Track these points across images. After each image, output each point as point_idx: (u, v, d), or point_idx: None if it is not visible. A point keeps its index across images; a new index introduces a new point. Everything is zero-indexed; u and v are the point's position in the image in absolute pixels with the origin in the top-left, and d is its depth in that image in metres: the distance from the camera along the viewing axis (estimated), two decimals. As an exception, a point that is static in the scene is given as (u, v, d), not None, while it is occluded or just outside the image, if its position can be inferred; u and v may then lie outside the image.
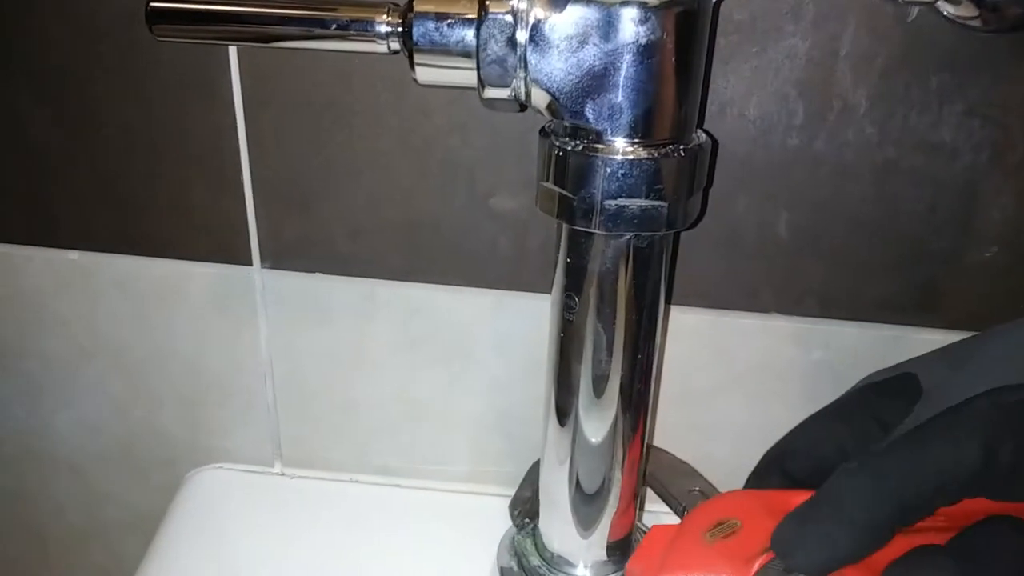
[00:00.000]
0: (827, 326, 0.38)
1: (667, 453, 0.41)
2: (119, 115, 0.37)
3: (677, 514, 0.36)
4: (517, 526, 0.38)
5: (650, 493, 0.42)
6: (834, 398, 0.40)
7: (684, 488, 0.38)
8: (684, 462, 0.40)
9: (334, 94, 0.36)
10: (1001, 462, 0.24)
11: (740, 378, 0.40)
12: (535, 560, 0.37)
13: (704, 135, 0.29)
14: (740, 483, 0.42)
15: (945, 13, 0.31)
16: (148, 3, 0.28)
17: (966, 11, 0.30)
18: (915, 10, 0.31)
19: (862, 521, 0.24)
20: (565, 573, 0.36)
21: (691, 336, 0.39)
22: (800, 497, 0.27)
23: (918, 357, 0.29)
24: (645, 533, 0.38)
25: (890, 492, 0.24)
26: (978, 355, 0.27)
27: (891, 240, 0.36)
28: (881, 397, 0.28)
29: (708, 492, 0.38)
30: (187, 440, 0.46)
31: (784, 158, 0.35)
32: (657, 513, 0.42)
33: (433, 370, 0.42)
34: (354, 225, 0.39)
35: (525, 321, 0.39)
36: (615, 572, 0.36)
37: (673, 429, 0.41)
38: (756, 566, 0.27)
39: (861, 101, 0.33)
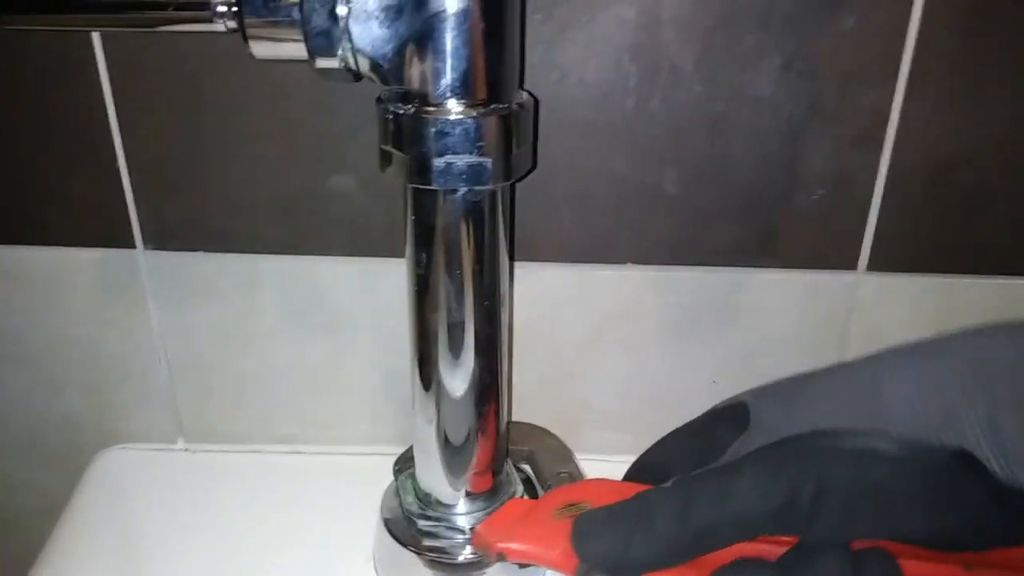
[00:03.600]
0: (678, 272, 0.41)
1: (553, 437, 0.43)
2: (-10, 106, 0.38)
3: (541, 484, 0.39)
4: (395, 474, 0.41)
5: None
6: (691, 339, 0.43)
7: (554, 470, 0.41)
8: (566, 447, 0.43)
9: (200, 75, 0.37)
10: (801, 504, 0.24)
11: (604, 327, 0.43)
12: (417, 507, 0.39)
13: (526, 95, 0.31)
14: (618, 426, 0.45)
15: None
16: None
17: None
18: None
19: (661, 534, 0.25)
20: (445, 514, 0.38)
21: (554, 290, 0.42)
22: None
23: (755, 389, 0.29)
24: (513, 468, 0.41)
25: (693, 515, 0.25)
26: (806, 394, 0.28)
27: (728, 189, 0.39)
28: (719, 423, 0.29)
29: (576, 476, 0.40)
30: (92, 424, 0.47)
31: (624, 118, 0.38)
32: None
33: (321, 338, 0.44)
34: (231, 203, 0.40)
35: (400, 286, 0.41)
36: (489, 507, 0.38)
37: (549, 381, 0.44)
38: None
39: (687, 62, 0.36)
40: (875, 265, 0.40)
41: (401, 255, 0.41)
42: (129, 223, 0.41)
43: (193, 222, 0.41)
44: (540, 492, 0.40)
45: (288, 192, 0.40)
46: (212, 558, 0.41)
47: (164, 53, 0.37)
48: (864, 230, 0.39)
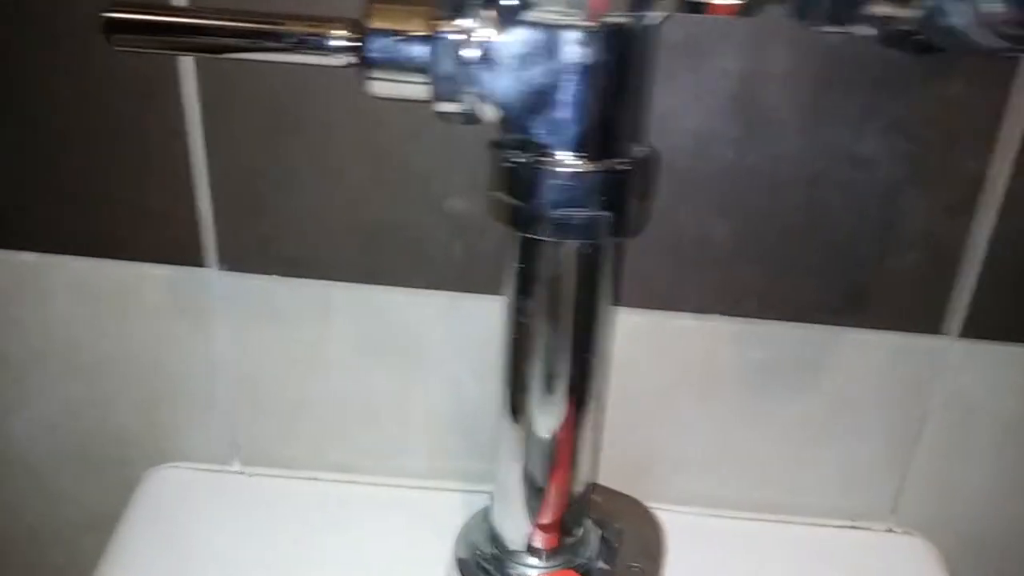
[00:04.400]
0: (763, 326, 0.40)
1: (652, 522, 0.42)
2: (75, 117, 0.37)
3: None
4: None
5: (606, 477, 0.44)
6: (769, 395, 0.42)
7: (629, 560, 0.39)
8: (658, 536, 0.41)
9: (290, 99, 0.37)
10: None
11: (683, 377, 0.42)
12: (490, 550, 0.38)
13: (649, 149, 0.30)
14: (683, 481, 0.45)
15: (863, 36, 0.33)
16: (105, 13, 0.28)
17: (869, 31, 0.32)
18: (837, 35, 0.33)
19: None
20: (518, 563, 0.38)
21: (636, 336, 0.41)
22: None
23: None
24: (595, 525, 0.40)
25: None
26: None
27: (821, 246, 0.38)
28: None
29: (648, 572, 0.39)
30: (143, 440, 0.46)
31: (721, 170, 0.37)
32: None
33: (389, 370, 0.43)
34: (310, 228, 0.39)
35: (478, 322, 0.41)
36: (567, 562, 0.37)
37: (619, 427, 0.43)
38: None
39: (791, 117, 0.36)
40: (967, 332, 0.39)
41: (479, 291, 0.40)
42: (203, 242, 0.40)
43: (269, 245, 0.40)
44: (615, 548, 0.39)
45: (368, 221, 0.39)
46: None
47: (256, 73, 0.36)
48: (956, 295, 0.39)
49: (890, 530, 0.46)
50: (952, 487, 0.45)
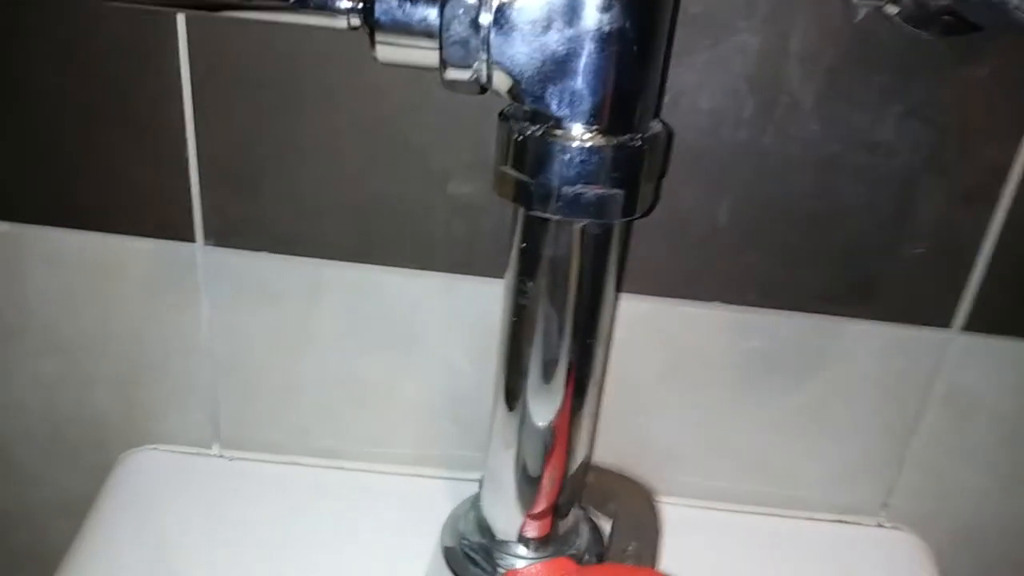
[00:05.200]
0: (766, 316, 0.39)
1: (647, 502, 0.41)
2: (57, 82, 0.35)
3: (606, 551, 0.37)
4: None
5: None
6: (766, 385, 0.41)
7: (624, 544, 0.38)
8: (653, 515, 0.40)
9: (285, 70, 0.35)
10: None
11: (680, 365, 0.41)
12: (477, 539, 0.37)
13: (661, 125, 0.29)
14: (675, 472, 0.44)
15: (889, 15, 0.32)
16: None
17: (908, 10, 0.31)
18: (863, 11, 0.32)
19: None
20: (507, 552, 0.36)
21: (635, 323, 0.40)
22: None
23: None
24: (585, 515, 0.39)
25: None
26: None
27: (830, 233, 0.37)
28: None
29: (642, 557, 0.38)
30: (121, 421, 0.44)
31: (733, 151, 0.36)
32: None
33: (380, 353, 0.41)
34: (302, 204, 0.38)
35: (475, 306, 0.40)
36: (555, 552, 0.36)
37: (615, 413, 0.42)
38: None
39: (808, 98, 0.35)
40: (971, 325, 0.39)
41: (477, 273, 0.39)
42: (191, 216, 0.38)
43: (259, 220, 0.38)
44: (607, 540, 0.39)
45: (363, 197, 0.38)
46: (241, 572, 0.39)
47: (250, 43, 0.34)
48: (965, 288, 0.38)
49: (880, 525, 0.45)
50: (946, 483, 0.44)
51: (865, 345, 0.40)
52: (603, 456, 0.43)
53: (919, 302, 0.39)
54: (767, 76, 0.34)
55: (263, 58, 0.35)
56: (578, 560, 0.37)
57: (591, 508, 0.40)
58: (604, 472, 0.41)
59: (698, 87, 0.34)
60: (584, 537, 0.38)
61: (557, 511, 0.36)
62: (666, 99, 0.35)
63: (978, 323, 0.39)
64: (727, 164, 0.36)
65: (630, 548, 0.38)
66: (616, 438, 0.43)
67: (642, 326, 0.40)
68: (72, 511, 0.43)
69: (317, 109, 0.36)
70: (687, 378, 0.41)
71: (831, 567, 0.43)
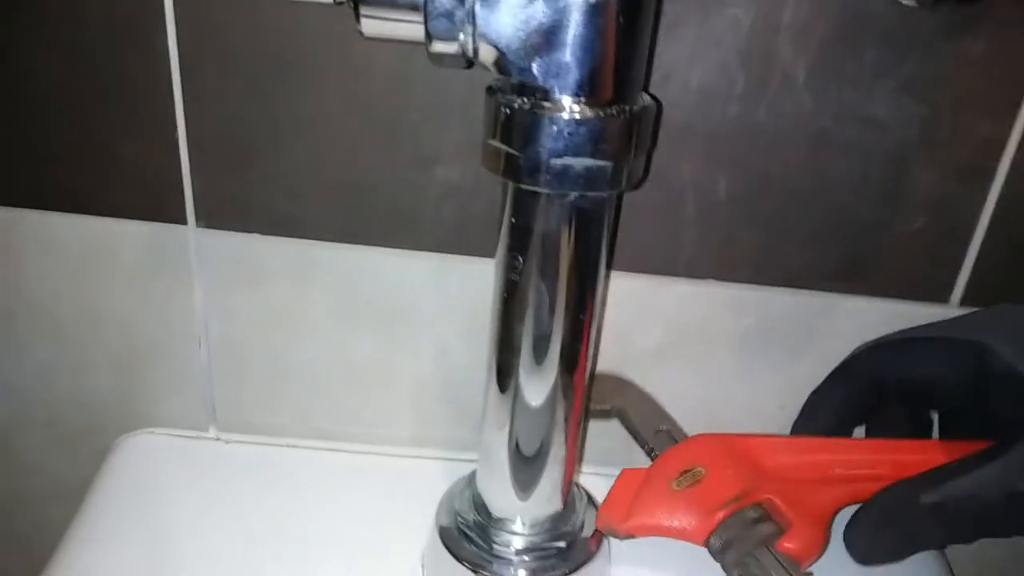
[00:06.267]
0: (760, 292, 0.39)
1: (634, 386, 0.41)
2: (45, 63, 0.35)
3: (645, 453, 0.37)
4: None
5: (588, 455, 0.43)
6: (763, 362, 0.41)
7: (652, 428, 0.38)
8: (650, 397, 0.40)
9: (275, 48, 0.35)
10: None
11: (676, 343, 0.41)
12: (473, 517, 0.37)
13: (649, 98, 0.29)
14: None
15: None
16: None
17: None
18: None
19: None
20: (503, 530, 0.36)
21: (630, 300, 0.39)
22: (759, 441, 0.30)
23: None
24: (581, 491, 0.39)
25: None
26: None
27: (823, 209, 0.37)
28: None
29: (675, 432, 0.38)
30: (116, 405, 0.44)
31: (724, 127, 0.35)
32: (597, 475, 0.43)
33: (374, 334, 0.41)
34: (293, 185, 0.38)
35: (468, 285, 0.39)
36: (551, 528, 0.36)
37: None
38: (719, 516, 0.29)
39: (800, 73, 0.34)
40: (968, 299, 0.38)
41: (471, 253, 0.39)
42: (182, 197, 0.38)
43: (250, 201, 0.38)
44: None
45: (354, 177, 0.37)
46: (239, 556, 0.39)
47: (238, 19, 0.34)
48: (962, 263, 0.38)
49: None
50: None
51: (862, 321, 0.40)
52: (598, 435, 0.42)
53: (916, 277, 0.38)
54: (758, 51, 0.34)
55: (252, 37, 0.34)
56: (572, 540, 0.37)
57: (596, 406, 0.40)
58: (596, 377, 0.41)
59: (689, 63, 0.34)
60: (580, 514, 0.38)
61: (552, 487, 0.36)
62: (657, 75, 0.34)
63: (975, 298, 0.39)
64: (719, 140, 0.36)
65: (663, 429, 0.38)
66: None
67: (636, 304, 0.40)
68: (68, 497, 0.43)
69: (307, 88, 0.35)
70: (682, 356, 0.41)
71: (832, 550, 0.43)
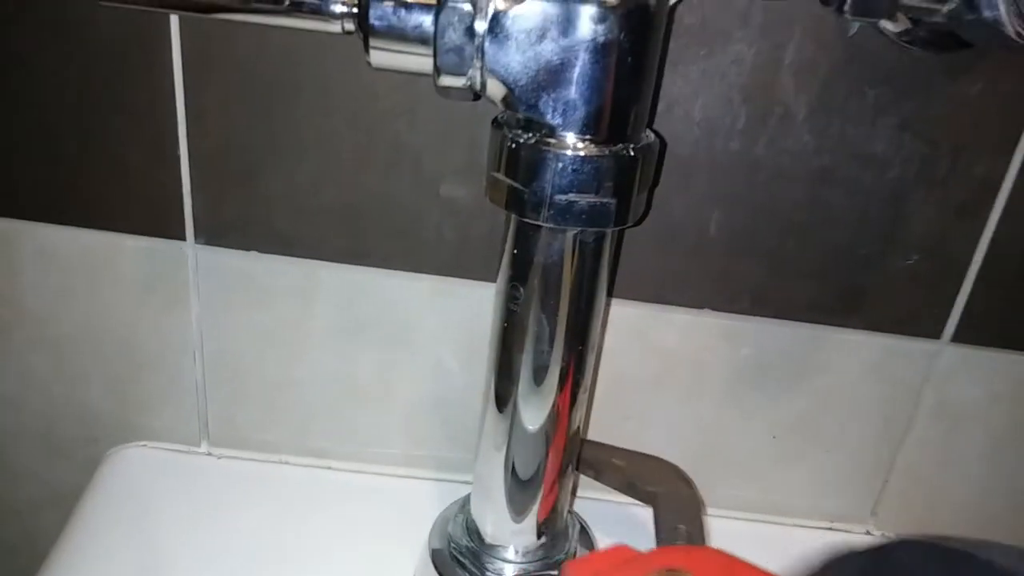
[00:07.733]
0: (756, 324, 0.39)
1: (687, 483, 0.40)
2: (50, 79, 0.35)
3: (656, 541, 0.36)
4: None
5: (584, 480, 0.43)
6: (756, 393, 0.41)
7: (673, 523, 0.37)
8: (696, 496, 0.39)
9: (281, 69, 0.35)
10: None
11: (672, 371, 0.41)
12: (466, 543, 0.37)
13: (653, 135, 0.29)
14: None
15: (884, 30, 0.32)
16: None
17: (902, 26, 0.31)
18: (855, 25, 0.32)
19: None
20: (496, 557, 0.36)
21: (627, 329, 0.40)
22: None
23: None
24: (574, 519, 0.39)
25: None
26: None
27: (821, 244, 0.37)
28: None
29: (694, 537, 0.37)
30: (111, 418, 0.44)
31: (725, 161, 0.36)
32: (589, 500, 0.43)
33: (371, 354, 0.41)
34: (295, 204, 0.38)
35: (466, 308, 0.40)
36: (544, 557, 0.36)
37: (608, 419, 0.42)
38: None
39: (801, 109, 0.35)
40: (960, 337, 0.39)
41: (468, 276, 0.39)
42: (182, 213, 0.38)
43: (251, 220, 0.38)
44: (597, 545, 0.39)
45: (356, 198, 0.38)
46: (226, 572, 0.39)
47: (244, 39, 0.34)
48: (955, 300, 0.38)
49: (868, 532, 0.45)
50: (934, 492, 0.44)
51: (856, 355, 0.40)
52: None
53: (910, 313, 0.39)
54: (761, 87, 0.34)
55: (256, 57, 0.35)
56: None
57: (632, 485, 0.39)
58: (632, 455, 0.40)
59: (692, 97, 0.35)
60: (573, 541, 0.38)
61: (546, 515, 0.36)
62: (660, 108, 0.35)
63: (968, 335, 0.39)
64: (720, 173, 0.36)
65: (680, 528, 0.37)
66: (610, 443, 0.43)
67: (633, 333, 0.40)
68: (59, 508, 0.43)
69: (311, 108, 0.36)
70: (678, 385, 0.41)
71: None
